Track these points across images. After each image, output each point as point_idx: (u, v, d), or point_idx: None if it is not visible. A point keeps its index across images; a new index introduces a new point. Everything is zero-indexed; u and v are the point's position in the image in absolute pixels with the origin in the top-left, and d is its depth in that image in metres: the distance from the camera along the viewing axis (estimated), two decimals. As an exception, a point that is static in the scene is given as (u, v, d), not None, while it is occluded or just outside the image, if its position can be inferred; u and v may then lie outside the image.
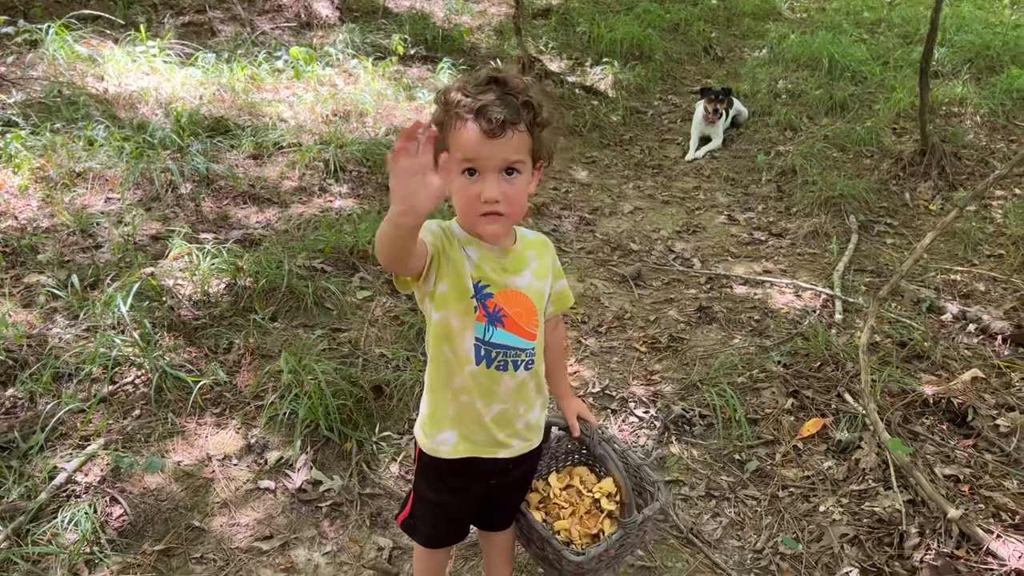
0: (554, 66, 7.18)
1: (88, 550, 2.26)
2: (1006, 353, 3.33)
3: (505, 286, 1.62)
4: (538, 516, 1.91)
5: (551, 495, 1.98)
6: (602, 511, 1.92)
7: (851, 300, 3.80)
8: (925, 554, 2.30)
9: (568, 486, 2.01)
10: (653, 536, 2.10)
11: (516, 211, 1.55)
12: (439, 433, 1.69)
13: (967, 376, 3.07)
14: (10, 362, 2.91)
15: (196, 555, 2.33)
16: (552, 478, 2.03)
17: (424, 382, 1.72)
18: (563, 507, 1.95)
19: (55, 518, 2.32)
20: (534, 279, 1.67)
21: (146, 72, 5.63)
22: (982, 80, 6.85)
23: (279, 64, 6.18)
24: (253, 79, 5.85)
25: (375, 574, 2.29)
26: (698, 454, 2.84)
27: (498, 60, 6.77)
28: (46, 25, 5.66)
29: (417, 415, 1.77)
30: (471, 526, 1.95)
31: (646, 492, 1.95)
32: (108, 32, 6.14)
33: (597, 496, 1.95)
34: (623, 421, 2.99)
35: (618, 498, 1.91)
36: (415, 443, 1.76)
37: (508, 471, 1.76)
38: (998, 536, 2.30)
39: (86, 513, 2.33)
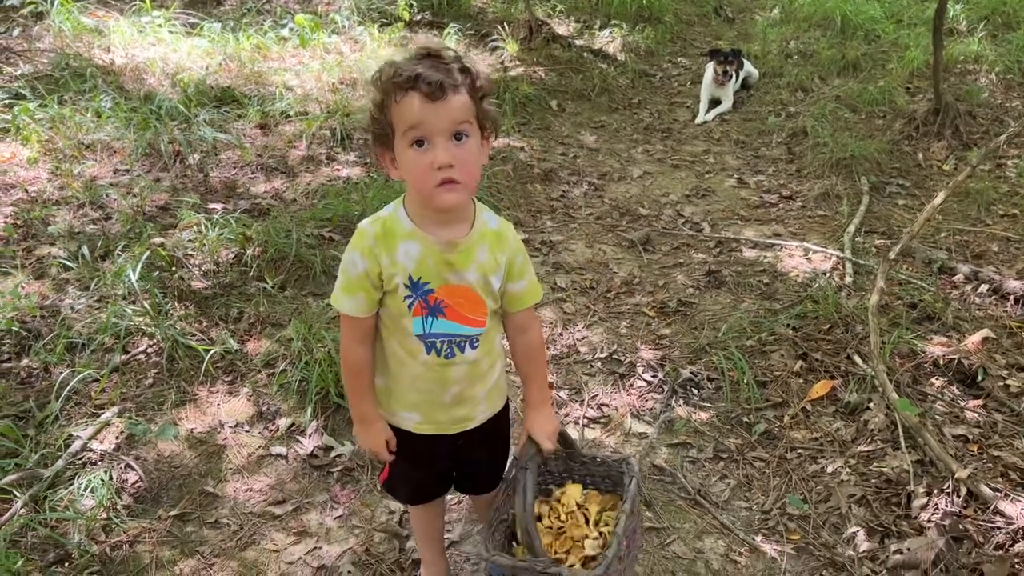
0: (562, 29, 7.10)
1: (105, 516, 2.30)
2: (1019, 313, 3.30)
3: (446, 281, 1.60)
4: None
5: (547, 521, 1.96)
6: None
7: (862, 262, 3.77)
8: (933, 514, 2.31)
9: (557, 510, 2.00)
10: (640, 530, 2.02)
11: (471, 178, 1.51)
12: (400, 411, 1.73)
13: (978, 337, 3.05)
14: (24, 333, 2.94)
15: (210, 520, 2.37)
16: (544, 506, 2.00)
17: (377, 359, 1.72)
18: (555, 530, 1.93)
19: (71, 485, 2.36)
20: (479, 274, 1.63)
21: (152, 43, 5.61)
22: (998, 37, 6.71)
23: (285, 32, 6.14)
24: (259, 48, 5.81)
25: (386, 536, 2.32)
26: (706, 417, 2.85)
27: (505, 24, 6.69)
28: (51, -4, 5.63)
29: None
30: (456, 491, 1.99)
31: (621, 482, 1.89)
32: (113, 3, 6.12)
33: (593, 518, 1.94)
34: (631, 386, 3.00)
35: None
36: None
37: (472, 431, 1.78)
38: (1006, 495, 2.31)
39: (102, 480, 2.37)
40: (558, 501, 1.99)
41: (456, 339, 1.64)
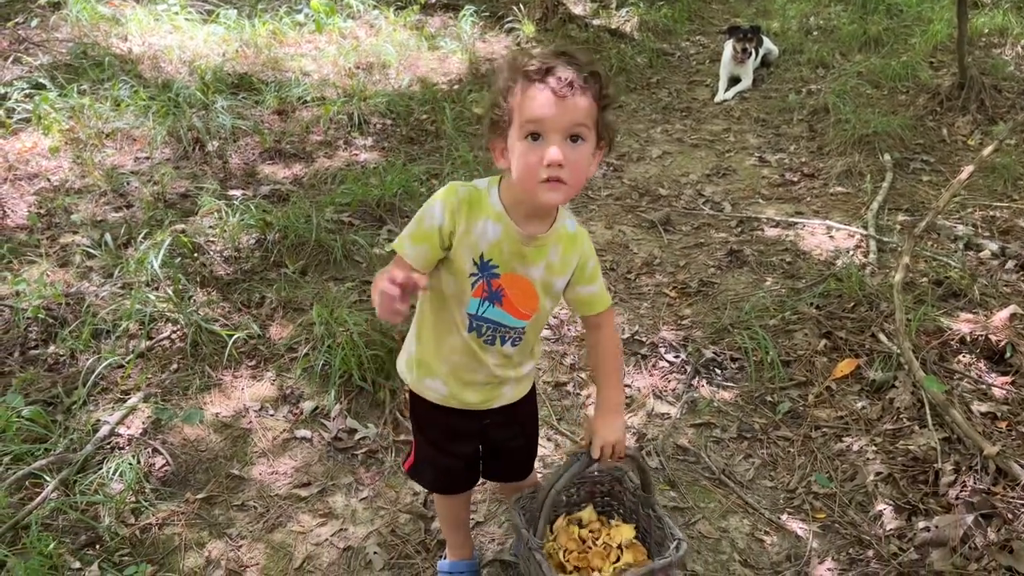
0: (578, 9, 7.05)
1: (133, 499, 2.33)
2: (1046, 289, 3.25)
3: (514, 270, 1.61)
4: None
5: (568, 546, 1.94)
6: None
7: (885, 239, 3.73)
8: (961, 491, 2.29)
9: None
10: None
11: (578, 181, 1.48)
12: (427, 379, 1.74)
13: (1005, 313, 3.00)
14: (50, 320, 2.98)
15: (237, 502, 2.39)
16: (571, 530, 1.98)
17: (415, 324, 1.74)
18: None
19: (100, 469, 2.39)
20: (546, 273, 1.64)
21: (169, 31, 5.64)
22: (1024, 9, 6.59)
23: (300, 18, 6.14)
24: (275, 34, 5.82)
25: (411, 518, 2.33)
26: (729, 397, 2.83)
27: (520, 5, 6.64)
28: (68, -14, 5.66)
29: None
30: (485, 480, 1.99)
31: (666, 542, 1.83)
32: (129, -9, 6.13)
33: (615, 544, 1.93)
34: (653, 366, 2.99)
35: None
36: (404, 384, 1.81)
37: (498, 411, 1.80)
38: (1036, 472, 2.28)
39: (130, 464, 2.40)
40: (606, 531, 1.97)
41: (501, 329, 1.66)
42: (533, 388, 1.89)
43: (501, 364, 1.71)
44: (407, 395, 1.84)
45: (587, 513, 2.01)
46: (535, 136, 1.44)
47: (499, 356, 1.70)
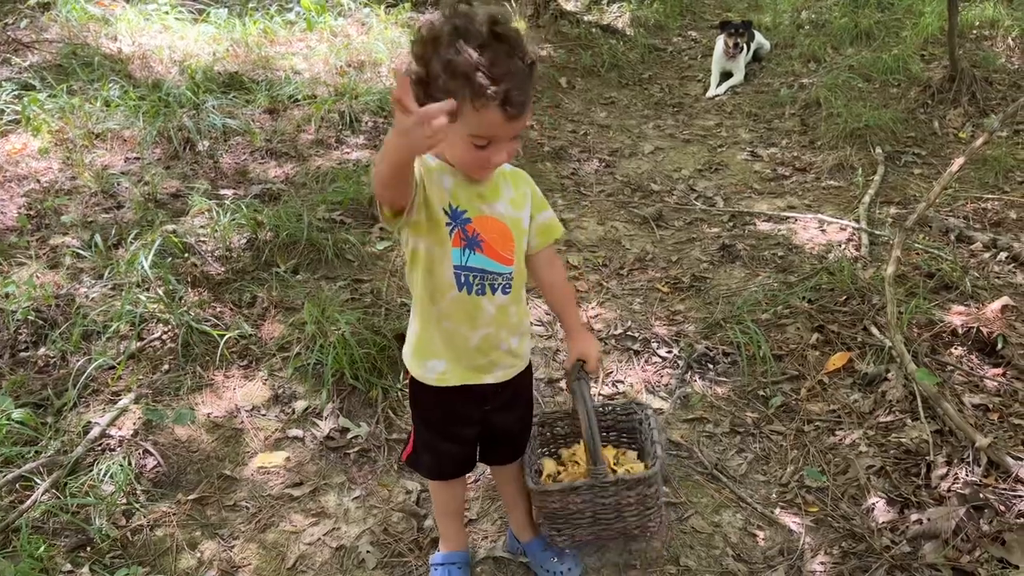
0: (569, 5, 7.04)
1: (125, 500, 2.32)
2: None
3: (481, 211, 1.66)
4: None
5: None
6: None
7: (877, 232, 3.73)
8: (953, 483, 2.29)
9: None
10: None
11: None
12: (427, 360, 1.76)
13: (997, 305, 3.01)
14: (40, 322, 2.96)
15: (229, 503, 2.38)
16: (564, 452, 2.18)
17: (412, 303, 1.77)
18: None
19: (91, 471, 2.38)
20: (510, 207, 1.71)
21: (159, 30, 5.62)
22: (1014, 1, 6.59)
23: (291, 16, 6.12)
24: (266, 32, 5.80)
25: (404, 516, 2.33)
26: (722, 391, 2.83)
27: (512, 2, 6.63)
28: (57, -14, 5.63)
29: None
30: (479, 463, 2.01)
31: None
32: (119, -10, 6.10)
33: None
34: (646, 362, 2.99)
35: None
36: (406, 372, 1.84)
37: (498, 393, 1.83)
38: (1027, 463, 2.28)
39: (121, 465, 2.39)
40: (572, 461, 2.15)
41: (488, 276, 1.68)
42: (530, 368, 1.91)
43: (497, 320, 1.72)
44: (408, 386, 1.86)
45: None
46: (483, 144, 1.51)
47: (494, 307, 1.71)
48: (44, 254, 3.40)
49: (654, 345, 3.06)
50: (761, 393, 2.81)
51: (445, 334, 1.72)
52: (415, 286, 1.72)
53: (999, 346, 2.81)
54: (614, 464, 2.15)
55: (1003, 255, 3.44)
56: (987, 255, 3.48)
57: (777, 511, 2.33)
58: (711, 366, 2.96)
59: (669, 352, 3.02)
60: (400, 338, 2.94)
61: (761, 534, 2.26)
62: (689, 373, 2.92)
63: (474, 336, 1.72)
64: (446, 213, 1.62)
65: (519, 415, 1.97)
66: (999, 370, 2.75)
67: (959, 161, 3.16)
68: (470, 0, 1.52)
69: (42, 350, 2.89)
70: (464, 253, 1.65)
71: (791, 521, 2.29)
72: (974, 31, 6.13)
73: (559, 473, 2.18)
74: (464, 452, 1.94)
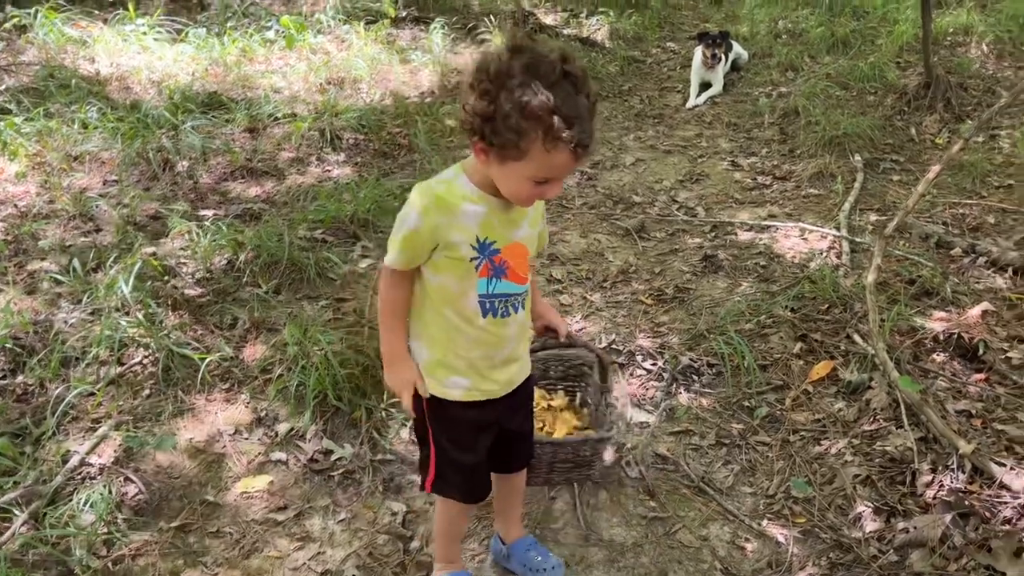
0: (549, 19, 7.07)
1: (106, 530, 2.28)
2: (1017, 285, 3.28)
3: (509, 240, 1.67)
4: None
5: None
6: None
7: (858, 240, 3.75)
8: (938, 491, 2.29)
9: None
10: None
11: None
12: (449, 377, 1.75)
13: (977, 310, 3.03)
14: (18, 349, 2.92)
15: (212, 529, 2.35)
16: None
17: (417, 332, 1.77)
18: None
19: (71, 500, 2.34)
20: (528, 227, 1.72)
21: (137, 51, 5.60)
22: (987, 7, 6.68)
23: (270, 35, 6.12)
24: (245, 52, 5.79)
25: (390, 539, 2.31)
26: (707, 403, 2.83)
27: (491, 16, 6.65)
28: (34, 9, 5.61)
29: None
30: (496, 473, 2.02)
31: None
32: (97, 12, 6.10)
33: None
34: (631, 374, 2.98)
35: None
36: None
37: (507, 396, 1.84)
38: (1011, 468, 2.29)
39: (101, 494, 2.35)
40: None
41: (511, 299, 1.70)
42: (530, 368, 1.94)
43: (518, 335, 1.78)
44: (424, 404, 1.79)
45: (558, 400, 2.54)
46: (542, 180, 1.51)
47: (516, 325, 1.75)
48: (21, 280, 3.36)
49: (639, 358, 3.06)
50: (746, 404, 2.81)
51: (470, 361, 1.73)
52: (433, 314, 1.71)
53: (980, 351, 2.83)
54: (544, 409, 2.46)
55: (982, 260, 3.46)
56: (966, 260, 3.50)
57: (764, 523, 2.33)
58: (696, 378, 2.96)
59: (654, 364, 3.02)
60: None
61: (749, 547, 2.26)
62: (674, 385, 2.92)
63: (500, 354, 1.75)
64: (473, 248, 1.62)
65: (526, 416, 1.98)
66: (981, 376, 2.77)
67: (936, 168, 3.18)
68: (530, 34, 1.53)
69: (20, 378, 2.85)
70: (491, 283, 1.66)
71: (779, 533, 2.29)
72: (948, 38, 6.21)
73: None
74: (485, 467, 1.92)
